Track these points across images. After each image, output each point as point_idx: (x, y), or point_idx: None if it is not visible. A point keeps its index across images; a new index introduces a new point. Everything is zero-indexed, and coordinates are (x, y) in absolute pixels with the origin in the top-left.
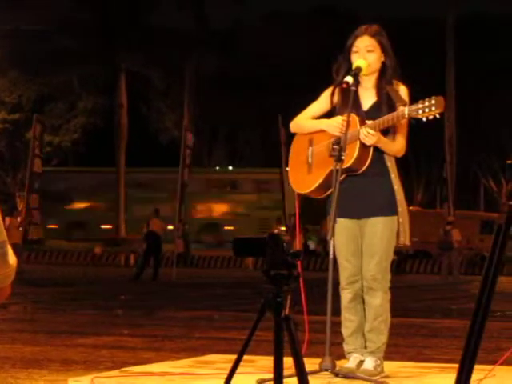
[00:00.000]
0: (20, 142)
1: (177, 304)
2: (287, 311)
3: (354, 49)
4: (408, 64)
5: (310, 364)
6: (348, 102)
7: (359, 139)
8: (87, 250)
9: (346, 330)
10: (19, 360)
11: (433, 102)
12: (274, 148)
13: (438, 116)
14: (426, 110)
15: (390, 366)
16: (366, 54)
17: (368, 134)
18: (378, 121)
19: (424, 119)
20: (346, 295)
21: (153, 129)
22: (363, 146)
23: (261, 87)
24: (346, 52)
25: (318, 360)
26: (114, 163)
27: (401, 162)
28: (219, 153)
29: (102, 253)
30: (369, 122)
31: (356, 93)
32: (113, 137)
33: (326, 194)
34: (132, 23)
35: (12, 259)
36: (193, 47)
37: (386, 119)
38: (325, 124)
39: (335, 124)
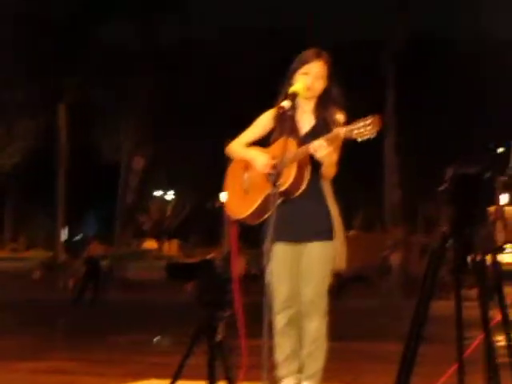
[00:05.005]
0: None
1: (117, 328)
2: (221, 336)
3: (303, 70)
4: (347, 90)
5: None
6: (284, 126)
7: (297, 161)
8: (26, 274)
9: (279, 356)
10: None
11: (368, 121)
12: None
13: (372, 136)
14: (362, 129)
15: None
16: (315, 79)
17: (322, 145)
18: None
19: (359, 139)
20: (280, 320)
21: (95, 152)
22: (300, 169)
23: (206, 110)
24: (291, 74)
25: None
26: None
27: (340, 186)
28: (159, 177)
29: (41, 277)
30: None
31: (293, 117)
32: (53, 160)
33: (261, 220)
34: (71, 40)
35: None
36: (135, 65)
37: (325, 139)
38: (252, 157)
39: (260, 162)
